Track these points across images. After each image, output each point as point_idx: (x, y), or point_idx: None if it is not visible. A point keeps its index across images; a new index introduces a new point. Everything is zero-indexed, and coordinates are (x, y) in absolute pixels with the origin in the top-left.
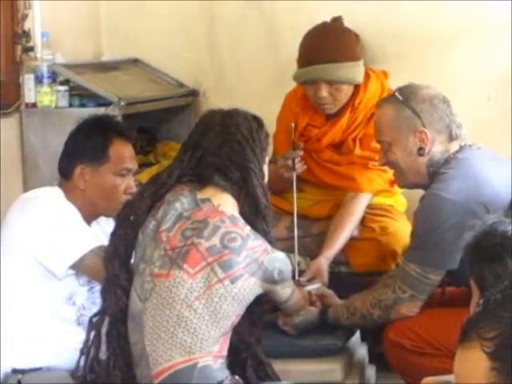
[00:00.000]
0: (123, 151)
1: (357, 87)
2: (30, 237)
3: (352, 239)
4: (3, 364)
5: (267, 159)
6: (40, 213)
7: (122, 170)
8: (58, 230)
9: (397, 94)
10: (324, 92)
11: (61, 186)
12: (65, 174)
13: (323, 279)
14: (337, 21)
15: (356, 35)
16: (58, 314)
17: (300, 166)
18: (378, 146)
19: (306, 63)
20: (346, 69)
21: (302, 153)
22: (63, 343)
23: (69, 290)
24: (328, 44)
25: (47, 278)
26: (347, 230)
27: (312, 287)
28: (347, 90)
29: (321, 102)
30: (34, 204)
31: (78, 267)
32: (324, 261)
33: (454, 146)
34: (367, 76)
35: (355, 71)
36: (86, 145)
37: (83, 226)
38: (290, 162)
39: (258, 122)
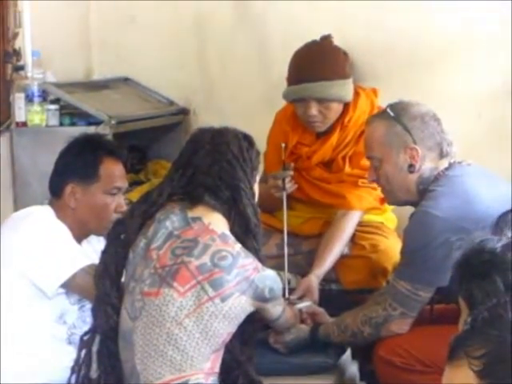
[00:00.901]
0: (113, 170)
1: (346, 105)
2: (20, 256)
3: (342, 257)
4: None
5: (258, 178)
6: (30, 231)
7: (113, 189)
8: (49, 249)
9: (388, 110)
10: (314, 110)
11: (51, 204)
12: (55, 192)
13: (313, 297)
14: (326, 39)
15: (345, 53)
16: (49, 333)
17: (290, 186)
18: (367, 163)
19: (295, 81)
20: (335, 87)
21: (292, 173)
22: (54, 362)
23: (59, 309)
24: (317, 62)
25: (38, 297)
26: (337, 247)
27: (302, 305)
28: (337, 108)
29: (310, 120)
30: (25, 223)
31: (69, 286)
32: (314, 279)
33: (444, 164)
34: (357, 94)
35: (345, 89)
36: (77, 164)
37: (74, 245)
38: (280, 182)
39: (248, 140)
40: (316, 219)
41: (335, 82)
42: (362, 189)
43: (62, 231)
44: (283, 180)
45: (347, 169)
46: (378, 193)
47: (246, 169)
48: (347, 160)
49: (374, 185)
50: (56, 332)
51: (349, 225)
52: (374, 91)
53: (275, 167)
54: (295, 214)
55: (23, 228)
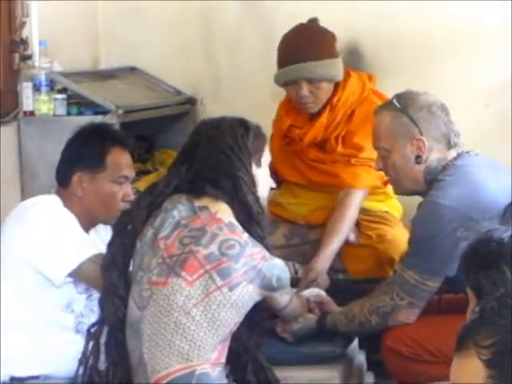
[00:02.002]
0: (120, 159)
1: (336, 86)
2: (28, 245)
3: (349, 246)
4: (2, 372)
5: (264, 160)
6: (38, 220)
7: (120, 178)
8: (56, 238)
9: (394, 101)
10: (305, 91)
11: (58, 193)
12: (63, 181)
13: (325, 282)
14: (313, 21)
15: (333, 34)
16: (57, 322)
17: None
18: (360, 142)
19: (285, 63)
20: (325, 66)
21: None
22: (61, 351)
23: (67, 298)
24: (306, 43)
25: (46, 286)
26: (342, 227)
27: (311, 293)
28: (327, 88)
29: (302, 101)
30: (32, 212)
31: (76, 275)
32: (321, 263)
33: (452, 154)
34: (347, 75)
35: (334, 68)
36: (84, 153)
37: (81, 234)
38: None
39: (244, 126)
40: (323, 208)
41: (324, 61)
42: (357, 167)
43: (70, 220)
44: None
45: (340, 149)
46: (379, 172)
47: (241, 157)
48: (340, 140)
49: (371, 163)
50: (63, 321)
51: (349, 203)
52: (370, 76)
53: (279, 153)
54: (301, 202)
55: (31, 217)
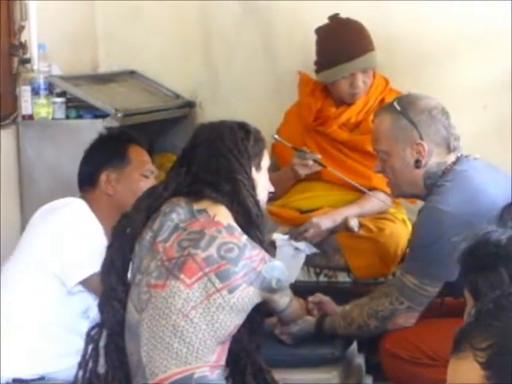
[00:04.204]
0: (142, 155)
1: None
2: (50, 247)
3: (351, 238)
4: (7, 373)
5: (264, 164)
6: (63, 223)
7: (146, 171)
8: (76, 245)
9: (395, 103)
10: (360, 81)
11: (84, 198)
12: (90, 183)
13: (313, 234)
14: (338, 16)
15: None
16: (74, 328)
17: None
18: None
19: (342, 59)
20: (374, 56)
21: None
22: (75, 356)
23: (86, 304)
24: (358, 36)
25: (67, 292)
26: (355, 205)
27: (277, 236)
28: (372, 75)
29: (356, 91)
30: (59, 214)
31: (87, 284)
32: (325, 219)
33: (452, 158)
34: None
35: (377, 57)
36: (106, 152)
37: (101, 244)
38: (310, 162)
39: (244, 129)
40: (328, 207)
41: (373, 52)
42: None
43: (93, 227)
44: (315, 160)
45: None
46: None
47: (241, 160)
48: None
49: None
50: (80, 327)
51: (372, 199)
52: None
53: (288, 160)
54: (313, 195)
55: (57, 219)
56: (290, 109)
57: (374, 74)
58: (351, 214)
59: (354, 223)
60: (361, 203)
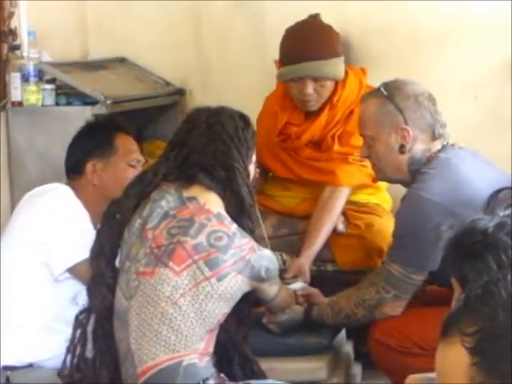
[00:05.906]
0: (128, 143)
1: (336, 84)
2: (37, 233)
3: (338, 235)
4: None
5: (254, 157)
6: (50, 209)
7: (132, 161)
8: (64, 231)
9: (382, 88)
10: (310, 89)
11: (69, 185)
12: (76, 172)
13: (305, 278)
14: (315, 18)
15: (336, 32)
16: (63, 315)
17: None
18: (356, 142)
19: (292, 61)
20: (331, 65)
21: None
22: (64, 344)
23: (74, 291)
24: (315, 41)
25: (55, 280)
26: (326, 226)
27: (296, 286)
28: (330, 87)
29: (306, 98)
30: (45, 200)
31: (74, 272)
32: (304, 260)
33: (437, 145)
34: (346, 73)
35: (339, 67)
36: (93, 141)
37: (88, 231)
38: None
39: (244, 120)
40: (312, 199)
41: (331, 60)
42: (351, 165)
43: (81, 214)
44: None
45: (336, 147)
46: (369, 170)
47: (240, 149)
48: (336, 139)
49: (365, 162)
50: (69, 314)
51: (337, 202)
52: (363, 70)
53: (264, 149)
54: (291, 195)
55: (43, 204)
56: (270, 95)
57: (339, 85)
58: (327, 235)
59: (341, 227)
60: (327, 218)
